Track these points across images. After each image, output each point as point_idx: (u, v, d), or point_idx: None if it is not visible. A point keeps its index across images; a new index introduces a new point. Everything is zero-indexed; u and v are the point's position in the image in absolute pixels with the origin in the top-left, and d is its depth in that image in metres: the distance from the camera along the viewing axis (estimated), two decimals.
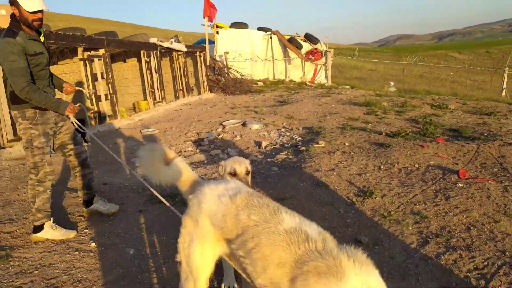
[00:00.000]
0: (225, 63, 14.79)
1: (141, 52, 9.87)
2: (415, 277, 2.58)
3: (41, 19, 2.95)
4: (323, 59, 17.06)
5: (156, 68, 10.27)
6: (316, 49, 16.98)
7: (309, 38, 17.39)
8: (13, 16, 2.91)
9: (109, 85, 8.39)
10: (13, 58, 2.80)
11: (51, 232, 3.10)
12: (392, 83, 17.55)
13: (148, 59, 10.03)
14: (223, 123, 7.91)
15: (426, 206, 3.58)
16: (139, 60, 10.82)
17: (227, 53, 15.21)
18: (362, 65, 29.94)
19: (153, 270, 2.69)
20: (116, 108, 8.57)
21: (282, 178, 4.54)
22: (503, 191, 3.86)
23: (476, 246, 2.90)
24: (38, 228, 3.09)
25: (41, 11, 2.91)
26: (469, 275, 2.59)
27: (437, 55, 51.90)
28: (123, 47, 9.53)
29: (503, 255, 2.80)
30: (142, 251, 2.96)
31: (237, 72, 14.77)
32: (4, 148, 5.79)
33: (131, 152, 6.06)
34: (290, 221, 1.51)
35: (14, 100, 2.99)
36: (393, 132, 6.44)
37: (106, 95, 8.29)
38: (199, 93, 13.11)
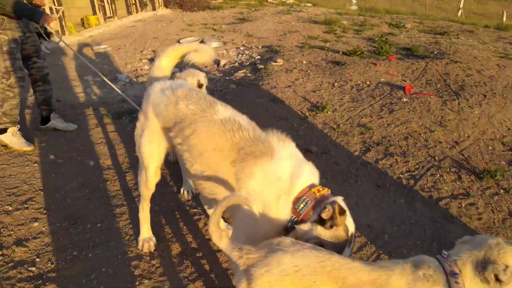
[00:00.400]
0: None
1: None
2: (355, 179, 2.91)
3: None
4: None
5: None
6: None
7: None
8: None
9: None
10: None
11: (11, 138, 3.16)
12: (354, 1, 17.20)
13: None
14: (180, 41, 7.64)
15: (371, 119, 3.87)
16: None
17: None
18: None
19: (115, 179, 2.83)
20: (63, 23, 7.96)
21: (240, 94, 4.64)
22: (442, 105, 4.21)
23: (410, 152, 3.25)
24: (1, 131, 3.14)
25: None
26: (401, 176, 2.95)
27: None
28: None
29: (433, 159, 3.17)
30: (102, 163, 3.06)
31: None
32: None
33: (83, 69, 5.82)
34: (224, 112, 1.70)
35: None
36: (349, 50, 6.55)
37: (51, 9, 7.62)
38: (154, 9, 12.29)
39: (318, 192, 1.50)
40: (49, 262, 2.05)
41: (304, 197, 1.49)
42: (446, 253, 1.25)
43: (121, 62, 6.47)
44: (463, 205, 2.63)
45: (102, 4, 9.44)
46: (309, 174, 1.56)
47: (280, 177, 1.50)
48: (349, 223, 1.48)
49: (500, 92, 4.73)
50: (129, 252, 2.14)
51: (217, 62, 6.42)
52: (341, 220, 1.44)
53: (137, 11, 11.29)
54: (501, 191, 2.79)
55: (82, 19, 10.16)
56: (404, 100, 4.31)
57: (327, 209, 1.42)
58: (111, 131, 3.65)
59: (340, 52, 6.57)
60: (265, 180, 1.50)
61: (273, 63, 5.90)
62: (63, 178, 2.79)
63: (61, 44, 3.30)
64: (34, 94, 3.51)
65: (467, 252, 1.23)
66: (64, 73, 5.76)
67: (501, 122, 3.86)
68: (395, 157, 3.17)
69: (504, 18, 14.05)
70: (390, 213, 2.54)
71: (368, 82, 4.99)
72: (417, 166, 3.07)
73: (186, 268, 2.06)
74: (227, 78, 5.60)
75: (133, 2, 11.22)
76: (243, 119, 1.70)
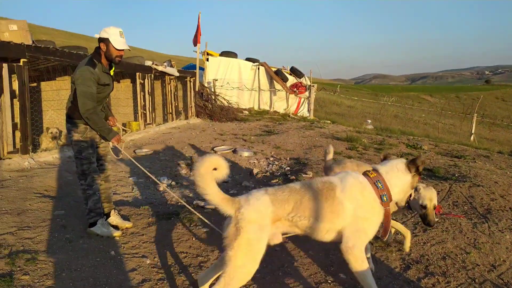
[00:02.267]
0: (213, 90, 15.28)
1: (137, 74, 10.21)
2: None
3: (122, 56, 3.63)
4: (307, 93, 17.86)
5: (150, 90, 10.61)
6: (300, 82, 17.79)
7: (294, 71, 18.23)
8: (97, 49, 3.56)
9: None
10: (89, 84, 3.40)
11: (101, 228, 3.61)
12: (369, 121, 18.47)
13: (142, 81, 10.38)
14: (214, 149, 8.26)
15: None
16: (133, 82, 11.13)
17: (216, 80, 15.74)
18: (342, 101, 31.21)
19: (170, 278, 2.98)
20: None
21: None
22: (473, 227, 4.38)
23: (450, 273, 3.34)
24: (92, 224, 3.62)
25: (124, 50, 3.60)
26: None
27: (410, 97, 54.48)
28: (121, 68, 9.85)
29: (473, 282, 3.25)
30: (157, 262, 3.23)
31: (224, 99, 15.27)
32: (3, 159, 5.91)
33: (128, 171, 6.29)
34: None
35: (71, 115, 3.54)
36: None
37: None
38: (187, 118, 13.46)
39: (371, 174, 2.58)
40: None
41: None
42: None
43: (161, 165, 6.98)
44: None
45: (144, 112, 10.48)
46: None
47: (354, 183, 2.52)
48: None
49: None
50: None
51: (249, 171, 6.87)
52: None
53: (172, 119, 12.37)
54: None
55: (124, 124, 11.17)
56: (436, 219, 4.50)
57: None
58: (161, 231, 3.89)
59: None
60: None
61: (303, 175, 6.29)
62: (123, 274, 2.95)
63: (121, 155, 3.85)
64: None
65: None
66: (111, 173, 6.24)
67: None
68: (436, 277, 3.26)
69: None
70: None
71: None
72: None
73: None
74: (261, 187, 5.96)
75: (170, 111, 12.37)
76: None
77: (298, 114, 17.81)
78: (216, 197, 2.24)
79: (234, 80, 16.96)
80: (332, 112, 23.71)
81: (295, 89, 17.60)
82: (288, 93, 17.72)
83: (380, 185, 2.50)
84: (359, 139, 10.41)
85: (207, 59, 16.41)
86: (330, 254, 3.62)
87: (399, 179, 2.59)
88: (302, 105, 18.17)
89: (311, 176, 6.28)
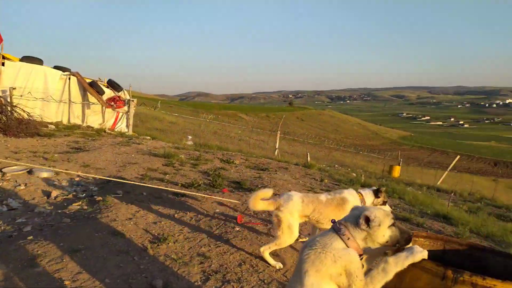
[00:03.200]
0: (9, 100, 12.94)
1: None
2: None
3: None
4: (126, 108, 17.08)
5: None
6: (119, 96, 16.89)
7: (112, 84, 17.20)
8: None
9: None
10: None
11: None
12: (190, 137, 19.01)
13: None
14: (2, 170, 6.92)
15: (210, 248, 4.20)
16: None
17: (14, 89, 13.43)
18: (164, 117, 31.19)
19: None
20: None
21: (76, 229, 4.41)
22: (267, 232, 4.92)
23: (244, 278, 3.62)
24: None
25: None
26: None
27: (228, 115, 59.02)
28: None
29: (263, 283, 3.60)
30: None
31: (24, 111, 13.11)
32: None
33: None
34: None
35: None
36: (188, 183, 7.12)
37: None
38: None
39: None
40: None
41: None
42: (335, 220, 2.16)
43: None
44: None
45: None
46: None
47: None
48: None
49: None
50: None
51: (47, 194, 6.00)
52: None
53: None
54: None
55: None
56: (237, 229, 4.87)
57: None
58: None
59: (180, 184, 7.05)
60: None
61: (112, 195, 5.89)
62: None
63: None
64: None
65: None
66: None
67: None
68: (231, 284, 3.48)
69: (309, 158, 17.60)
70: None
71: (205, 213, 5.46)
72: None
73: None
74: (59, 211, 5.27)
75: None
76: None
77: (116, 130, 16.81)
78: None
79: (38, 90, 14.78)
80: (153, 128, 23.38)
81: (112, 103, 16.58)
82: (104, 107, 16.56)
83: None
84: (176, 155, 10.51)
85: (3, 64, 13.87)
86: None
87: None
88: (120, 120, 17.25)
89: (121, 195, 5.93)
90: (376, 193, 4.21)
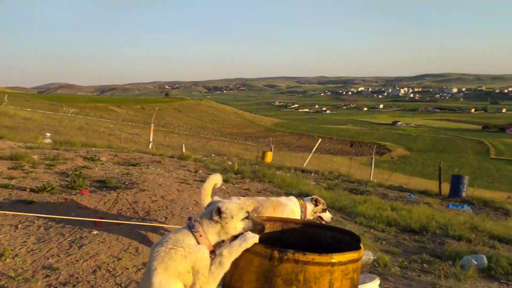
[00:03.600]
0: None
1: None
2: None
3: None
4: None
5: None
6: None
7: None
8: None
9: None
10: None
11: None
12: (48, 134, 16.90)
13: None
14: None
15: (59, 258, 3.76)
16: None
17: None
18: (16, 113, 27.08)
19: None
20: None
21: None
22: (130, 232, 4.64)
23: (98, 285, 3.33)
24: None
25: None
26: None
27: (98, 108, 54.53)
28: None
29: (120, 287, 3.37)
30: None
31: None
32: None
33: None
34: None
35: None
36: (39, 187, 6.26)
37: None
38: None
39: None
40: None
41: None
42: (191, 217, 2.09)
43: None
44: None
45: None
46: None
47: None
48: None
49: (178, 213, 5.73)
50: None
51: None
52: None
53: None
54: None
55: None
56: (95, 232, 4.47)
57: None
58: None
59: (28, 189, 6.17)
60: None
61: None
62: None
63: None
64: None
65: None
66: None
67: None
68: None
69: (184, 150, 17.41)
70: None
71: (58, 219, 4.87)
72: None
73: None
74: None
75: None
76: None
77: None
78: None
79: None
80: (2, 126, 20.10)
81: None
82: None
83: None
84: (27, 156, 9.18)
85: None
86: None
87: None
88: None
89: None
90: (316, 202, 4.36)
